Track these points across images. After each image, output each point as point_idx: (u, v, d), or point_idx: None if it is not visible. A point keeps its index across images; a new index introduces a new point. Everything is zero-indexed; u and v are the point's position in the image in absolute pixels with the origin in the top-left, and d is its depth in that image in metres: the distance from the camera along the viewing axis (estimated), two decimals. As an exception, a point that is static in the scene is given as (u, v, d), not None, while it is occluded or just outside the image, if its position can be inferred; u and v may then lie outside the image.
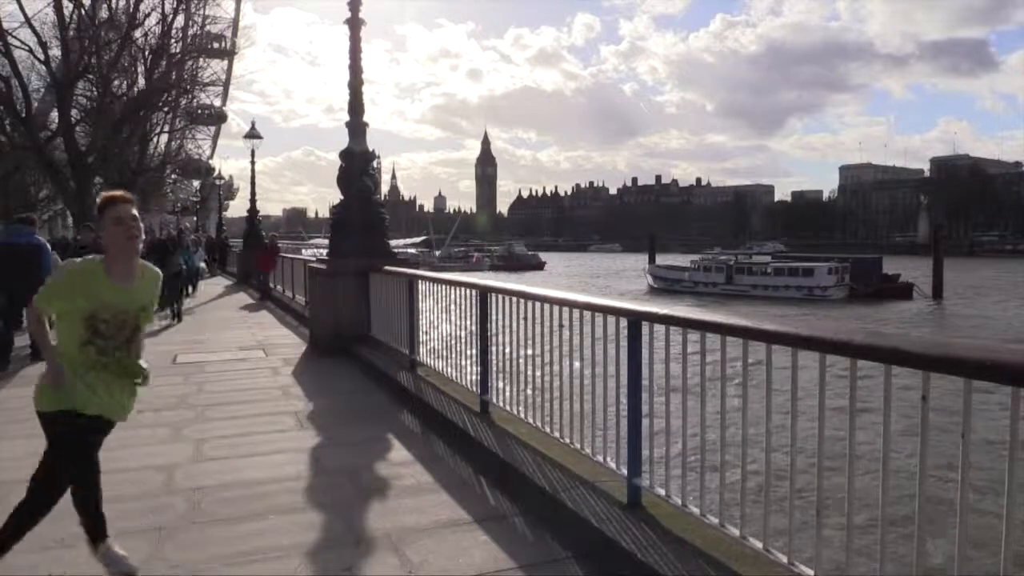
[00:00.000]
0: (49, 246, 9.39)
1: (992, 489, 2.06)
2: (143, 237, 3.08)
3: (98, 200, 3.10)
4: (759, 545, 2.73)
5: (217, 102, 42.51)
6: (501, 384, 5.11)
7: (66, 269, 3.07)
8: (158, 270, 3.24)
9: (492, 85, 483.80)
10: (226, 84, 40.45)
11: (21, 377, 7.87)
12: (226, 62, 38.99)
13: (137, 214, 3.02)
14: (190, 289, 18.22)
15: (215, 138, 49.59)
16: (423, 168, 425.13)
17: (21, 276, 7.82)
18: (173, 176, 43.98)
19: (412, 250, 66.19)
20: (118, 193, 3.09)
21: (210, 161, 48.89)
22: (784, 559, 2.61)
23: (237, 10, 40.18)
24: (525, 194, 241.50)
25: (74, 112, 24.80)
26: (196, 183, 50.23)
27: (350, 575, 3.16)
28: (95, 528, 3.19)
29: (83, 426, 2.99)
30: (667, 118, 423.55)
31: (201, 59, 32.57)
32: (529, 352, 4.65)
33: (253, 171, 25.47)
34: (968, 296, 43.88)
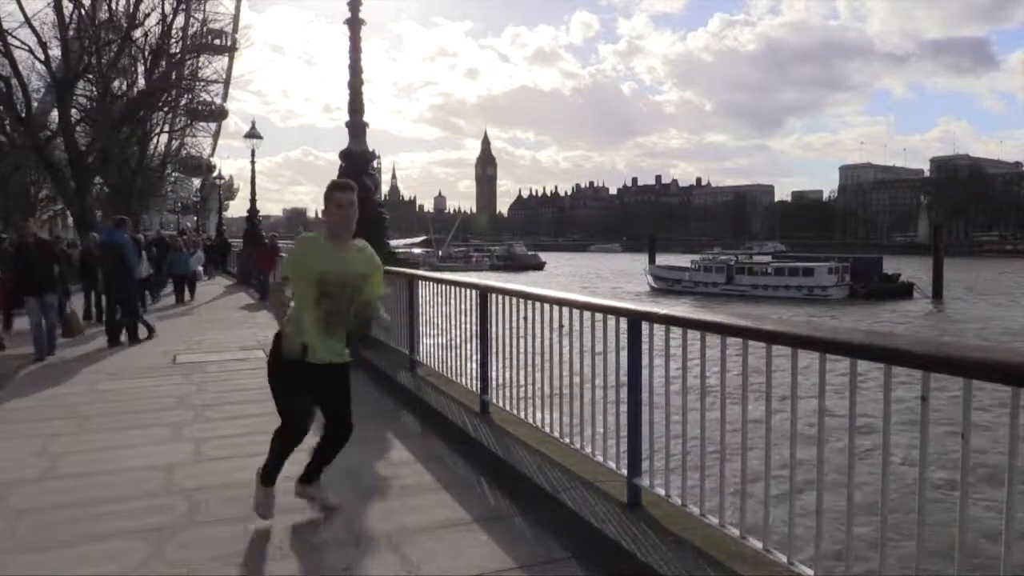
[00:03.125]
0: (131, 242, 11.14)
1: (993, 485, 2.06)
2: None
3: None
4: (759, 545, 2.73)
5: (218, 100, 42.45)
6: (501, 384, 5.11)
7: (299, 240, 3.82)
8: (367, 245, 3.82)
9: (490, 84, 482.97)
10: (226, 81, 40.37)
11: (21, 377, 7.87)
12: (227, 59, 39.03)
13: (355, 200, 3.65)
14: (188, 295, 17.58)
15: (216, 136, 49.36)
16: (423, 168, 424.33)
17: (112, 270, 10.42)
18: (174, 175, 43.84)
19: (417, 250, 66.23)
20: (341, 180, 3.80)
21: (211, 159, 48.79)
22: (784, 559, 2.61)
23: (238, 8, 40.18)
24: (525, 194, 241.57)
25: (74, 112, 24.80)
26: (197, 181, 50.12)
27: (350, 575, 3.16)
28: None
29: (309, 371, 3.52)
30: (666, 118, 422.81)
31: (202, 57, 32.55)
32: (529, 352, 4.65)
33: (253, 171, 25.51)
34: (968, 296, 43.86)
